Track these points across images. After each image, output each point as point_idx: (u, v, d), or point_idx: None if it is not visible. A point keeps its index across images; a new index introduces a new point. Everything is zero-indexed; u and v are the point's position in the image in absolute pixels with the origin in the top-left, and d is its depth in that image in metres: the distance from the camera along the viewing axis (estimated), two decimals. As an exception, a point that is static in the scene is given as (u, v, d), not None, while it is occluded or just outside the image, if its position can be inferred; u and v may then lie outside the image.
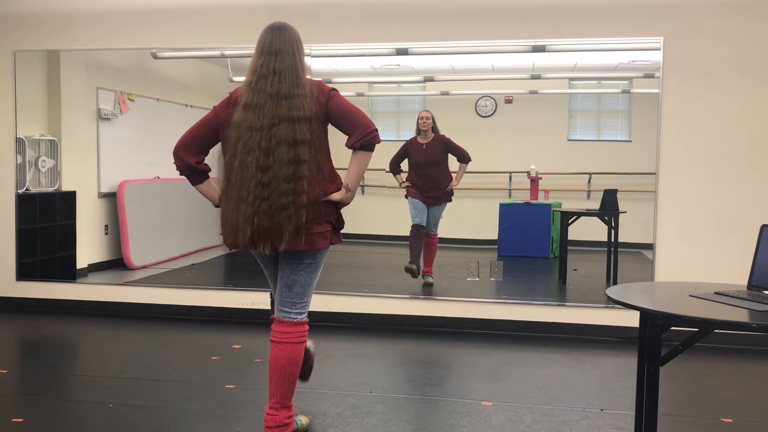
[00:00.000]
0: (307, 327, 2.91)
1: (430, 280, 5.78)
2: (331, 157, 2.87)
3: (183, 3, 5.22)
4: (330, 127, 2.83)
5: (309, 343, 3.11)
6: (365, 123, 2.73)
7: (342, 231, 2.96)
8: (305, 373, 3.10)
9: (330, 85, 2.82)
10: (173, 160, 2.87)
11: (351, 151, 2.80)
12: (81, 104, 6.11)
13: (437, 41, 4.97)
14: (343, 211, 2.94)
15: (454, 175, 5.82)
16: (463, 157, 5.77)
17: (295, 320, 2.87)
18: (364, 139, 2.72)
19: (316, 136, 2.73)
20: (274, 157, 2.67)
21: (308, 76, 2.82)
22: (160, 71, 7.12)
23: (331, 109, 2.75)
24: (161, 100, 7.06)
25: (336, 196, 2.79)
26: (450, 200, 5.87)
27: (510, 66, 6.40)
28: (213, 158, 2.93)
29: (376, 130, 2.75)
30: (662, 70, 4.69)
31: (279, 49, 2.75)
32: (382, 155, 5.91)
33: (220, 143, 2.87)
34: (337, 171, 2.87)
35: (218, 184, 2.89)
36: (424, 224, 5.80)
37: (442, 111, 6.00)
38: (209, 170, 2.91)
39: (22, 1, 5.45)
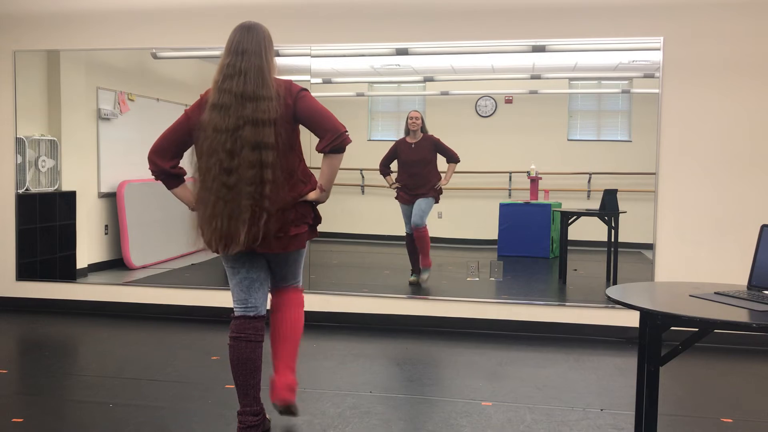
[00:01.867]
0: (303, 293, 3.10)
1: (426, 275, 5.78)
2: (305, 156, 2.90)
3: (183, 3, 5.22)
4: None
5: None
6: (334, 126, 2.71)
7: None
8: None
9: (300, 85, 2.80)
10: (148, 165, 2.86)
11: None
12: (81, 104, 6.11)
13: (437, 41, 4.97)
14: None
15: (443, 176, 5.83)
16: (452, 158, 5.78)
17: (297, 287, 3.05)
18: (334, 143, 2.71)
19: (283, 138, 2.70)
20: (239, 159, 2.65)
21: (275, 76, 2.79)
22: (160, 71, 7.12)
23: (299, 110, 2.73)
24: (161, 100, 7.06)
25: (311, 195, 2.81)
26: (437, 200, 5.87)
27: (510, 66, 6.40)
28: (186, 161, 2.94)
29: (346, 131, 2.73)
30: (662, 70, 4.69)
31: (246, 48, 2.72)
32: (381, 154, 5.92)
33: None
34: (311, 171, 2.88)
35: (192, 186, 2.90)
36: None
37: (442, 111, 6.00)
38: (184, 174, 2.90)
39: (22, 1, 5.45)
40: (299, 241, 2.83)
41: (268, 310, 2.97)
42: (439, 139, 5.81)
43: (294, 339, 2.96)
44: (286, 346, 2.94)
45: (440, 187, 5.83)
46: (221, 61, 2.77)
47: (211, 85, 2.77)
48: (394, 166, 5.92)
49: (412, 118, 5.83)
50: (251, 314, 2.89)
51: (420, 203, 5.82)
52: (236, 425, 2.95)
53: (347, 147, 2.79)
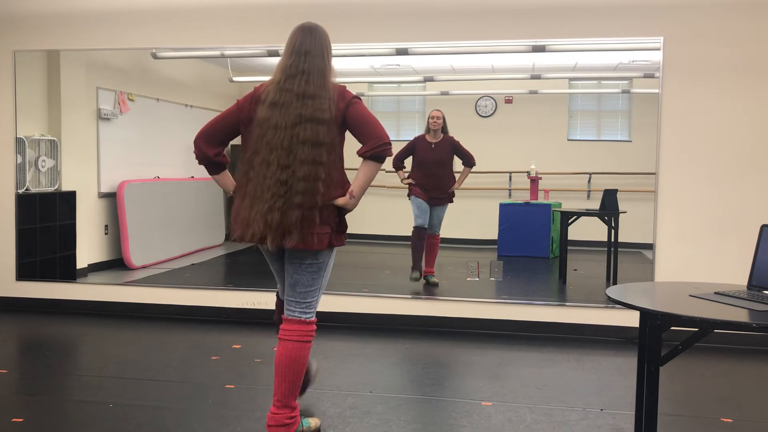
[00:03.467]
0: (314, 327, 2.92)
1: (435, 279, 5.78)
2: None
3: (183, 3, 5.22)
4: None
5: (314, 364, 3.12)
6: (380, 135, 2.75)
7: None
8: (302, 386, 3.10)
9: (353, 93, 2.84)
10: (193, 149, 2.91)
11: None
12: (81, 104, 6.11)
13: (437, 41, 4.97)
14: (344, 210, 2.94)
15: (457, 176, 5.82)
16: (469, 162, 5.76)
17: (300, 318, 2.88)
18: (375, 150, 2.74)
19: (335, 139, 2.77)
20: (294, 155, 2.71)
21: (334, 80, 2.84)
22: (160, 71, 7.12)
23: (350, 116, 2.78)
24: (161, 100, 7.06)
25: (340, 201, 2.82)
26: (452, 201, 5.87)
27: (510, 66, 6.40)
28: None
29: (390, 143, 2.78)
30: (662, 70, 4.69)
31: (309, 50, 2.79)
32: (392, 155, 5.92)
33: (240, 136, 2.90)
34: (347, 178, 2.89)
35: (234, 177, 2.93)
36: (426, 225, 5.79)
37: (442, 111, 5.99)
38: (227, 162, 2.95)
39: (22, 1, 5.45)
40: (319, 241, 2.78)
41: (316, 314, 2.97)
42: (458, 142, 5.79)
43: (292, 378, 2.85)
44: (285, 384, 2.85)
45: (453, 191, 5.82)
46: (282, 61, 2.82)
47: (271, 84, 2.81)
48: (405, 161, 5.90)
49: (434, 117, 5.79)
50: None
51: (438, 212, 5.83)
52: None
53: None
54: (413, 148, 5.84)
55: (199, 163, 2.93)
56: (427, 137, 5.81)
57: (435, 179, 5.79)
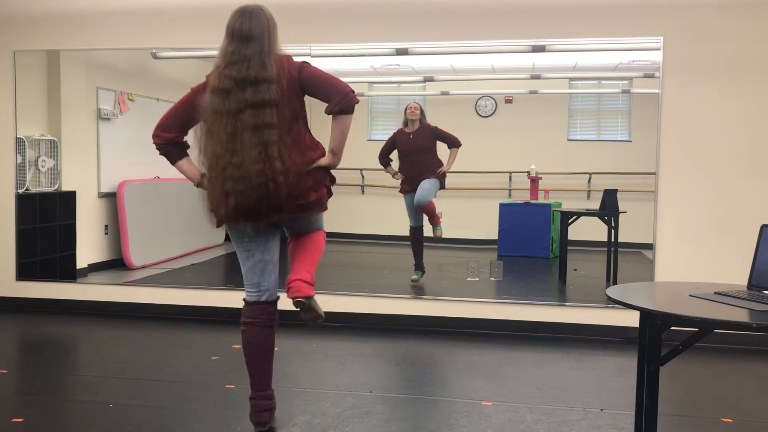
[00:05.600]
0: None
1: (440, 231, 5.80)
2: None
3: (183, 3, 5.22)
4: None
5: None
6: (341, 88, 2.77)
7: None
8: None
9: (301, 59, 2.87)
10: (153, 140, 2.92)
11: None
12: (81, 104, 6.11)
13: (437, 41, 4.97)
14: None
15: (445, 162, 5.83)
16: (453, 142, 5.77)
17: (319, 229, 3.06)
18: (341, 103, 2.76)
19: (286, 116, 2.77)
20: (240, 140, 2.73)
21: (279, 52, 2.84)
22: (160, 71, 7.12)
23: (304, 80, 2.81)
24: (161, 100, 7.06)
25: (324, 161, 2.89)
26: (443, 185, 5.85)
27: (510, 66, 6.41)
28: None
29: (352, 91, 2.79)
30: (662, 70, 4.69)
31: (251, 33, 2.78)
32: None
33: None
34: (317, 140, 2.94)
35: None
36: (422, 224, 5.80)
37: (442, 111, 6.01)
38: (188, 146, 2.96)
39: (22, 1, 5.45)
40: (321, 205, 2.92)
41: (278, 295, 2.98)
42: (437, 127, 5.81)
43: (315, 249, 2.96)
44: (306, 255, 2.93)
45: (443, 172, 5.82)
46: (224, 47, 2.83)
47: (213, 70, 2.83)
48: (393, 156, 5.91)
49: (410, 108, 5.85)
50: (264, 298, 2.93)
51: (423, 183, 5.80)
52: (249, 411, 2.98)
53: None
54: (394, 141, 5.88)
55: (160, 151, 2.93)
56: (405, 129, 5.85)
57: (420, 167, 5.81)
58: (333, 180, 3.02)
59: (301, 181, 2.80)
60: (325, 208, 2.97)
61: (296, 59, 2.88)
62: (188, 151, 2.97)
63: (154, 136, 2.91)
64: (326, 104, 2.80)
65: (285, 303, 3.04)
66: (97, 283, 5.72)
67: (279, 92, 2.74)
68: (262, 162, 2.71)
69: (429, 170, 5.81)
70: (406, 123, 5.87)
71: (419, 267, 5.78)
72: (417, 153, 5.83)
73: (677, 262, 4.73)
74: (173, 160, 2.96)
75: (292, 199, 2.78)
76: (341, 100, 2.76)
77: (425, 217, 5.84)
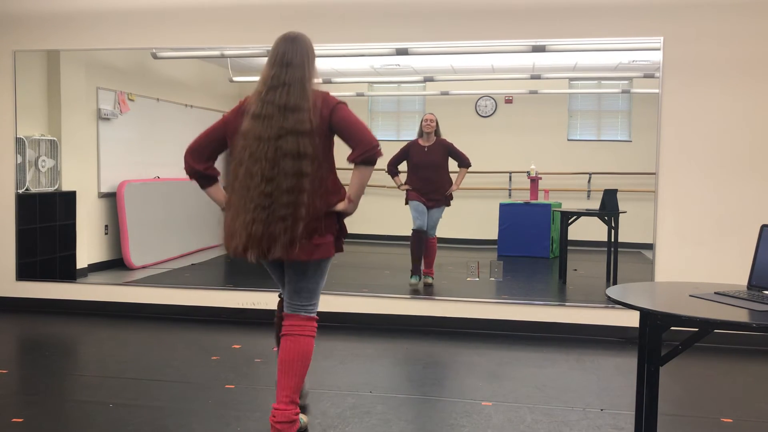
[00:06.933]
0: (316, 323, 2.95)
1: (430, 280, 5.78)
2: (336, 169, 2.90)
3: (183, 3, 5.22)
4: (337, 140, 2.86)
5: (304, 419, 3.10)
6: (368, 139, 2.75)
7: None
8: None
9: (338, 98, 2.84)
10: (183, 165, 2.93)
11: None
12: (81, 104, 6.11)
13: (437, 41, 4.97)
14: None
15: (454, 179, 5.81)
16: (464, 162, 5.76)
17: (306, 315, 2.93)
18: (365, 155, 2.74)
19: (319, 149, 2.76)
20: (278, 168, 2.71)
21: (316, 84, 2.84)
22: (160, 71, 7.12)
23: (335, 122, 2.78)
24: (161, 100, 7.06)
25: (339, 206, 2.84)
26: (449, 204, 5.86)
27: (510, 66, 6.41)
28: (220, 163, 2.99)
29: (378, 145, 2.77)
30: (662, 70, 4.69)
31: (291, 61, 2.79)
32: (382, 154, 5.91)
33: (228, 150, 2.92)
34: (341, 183, 2.90)
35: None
36: (425, 228, 5.79)
37: (442, 111, 6.00)
38: (218, 174, 2.97)
39: (22, 1, 5.45)
40: (322, 250, 2.82)
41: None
42: (452, 144, 5.78)
43: (299, 373, 2.87)
44: (291, 377, 2.86)
45: (450, 193, 5.81)
46: (265, 72, 2.82)
47: (253, 96, 2.82)
48: (402, 166, 5.90)
49: (426, 120, 5.79)
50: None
51: (434, 215, 5.81)
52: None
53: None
54: (407, 152, 5.85)
55: (190, 177, 2.95)
56: (420, 141, 5.81)
57: (431, 182, 5.79)
58: (344, 231, 2.94)
59: (311, 224, 2.75)
60: (327, 255, 2.84)
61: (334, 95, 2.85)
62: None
63: (185, 162, 2.92)
64: (351, 150, 2.77)
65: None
66: (97, 283, 5.71)
67: (313, 124, 2.74)
68: (293, 192, 2.69)
69: (440, 188, 5.79)
70: (421, 134, 5.83)
71: (416, 271, 5.75)
72: (429, 168, 5.80)
73: (677, 262, 4.73)
74: (202, 187, 2.98)
75: (296, 239, 2.73)
76: (365, 152, 2.74)
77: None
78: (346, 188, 2.88)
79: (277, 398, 2.87)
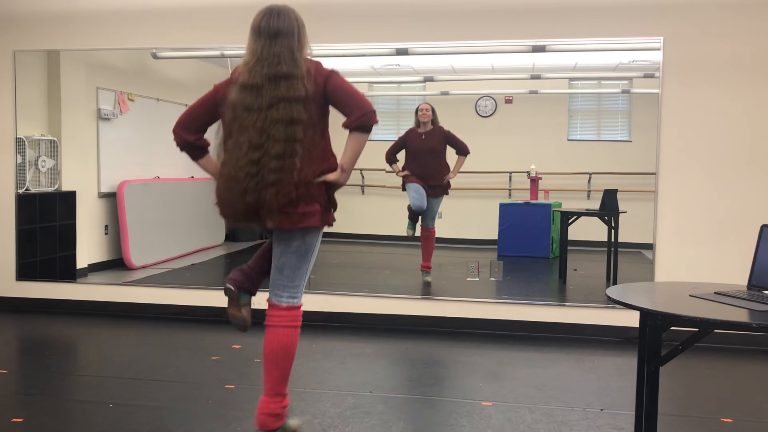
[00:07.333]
0: (301, 312, 2.91)
1: (429, 278, 5.77)
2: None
3: (183, 3, 5.22)
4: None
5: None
6: (363, 104, 2.72)
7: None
8: None
9: (329, 67, 2.81)
10: (173, 138, 2.90)
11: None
12: (81, 104, 6.11)
13: (437, 41, 4.97)
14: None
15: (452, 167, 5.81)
16: (462, 150, 5.76)
17: (287, 304, 2.87)
18: (360, 120, 2.71)
19: (312, 116, 2.72)
20: (267, 135, 2.67)
21: (308, 56, 2.81)
22: (160, 71, 7.12)
23: (330, 89, 2.75)
24: (161, 100, 7.06)
25: (331, 176, 2.79)
26: (447, 193, 5.85)
27: (510, 66, 6.41)
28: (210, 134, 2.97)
29: (374, 111, 2.73)
30: (662, 70, 4.69)
31: (278, 30, 2.76)
32: (382, 154, 5.92)
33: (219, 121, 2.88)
34: (333, 151, 2.87)
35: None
36: (424, 208, 5.75)
37: (442, 111, 6.00)
38: (209, 145, 2.93)
39: (22, 1, 5.45)
40: (308, 219, 2.75)
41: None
42: (449, 131, 5.79)
43: (282, 365, 2.83)
44: (275, 370, 2.83)
45: (449, 181, 5.81)
46: (251, 45, 2.80)
47: (241, 66, 2.79)
48: (400, 155, 5.90)
49: (422, 109, 5.82)
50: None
51: (433, 205, 5.81)
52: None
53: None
54: (405, 140, 5.86)
55: (181, 149, 2.92)
56: (418, 129, 5.83)
57: (428, 169, 5.79)
58: (332, 203, 2.87)
59: (297, 191, 2.70)
60: (313, 225, 2.76)
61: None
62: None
63: (175, 134, 2.89)
64: (345, 117, 2.74)
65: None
66: (97, 283, 5.71)
67: (308, 91, 2.70)
68: (283, 158, 2.65)
69: (437, 174, 5.78)
70: (418, 124, 5.85)
71: (414, 221, 5.71)
72: (427, 154, 5.80)
73: (677, 262, 4.73)
74: (193, 159, 2.95)
75: (280, 204, 2.68)
76: (360, 117, 2.70)
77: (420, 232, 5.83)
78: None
79: (264, 390, 2.86)
